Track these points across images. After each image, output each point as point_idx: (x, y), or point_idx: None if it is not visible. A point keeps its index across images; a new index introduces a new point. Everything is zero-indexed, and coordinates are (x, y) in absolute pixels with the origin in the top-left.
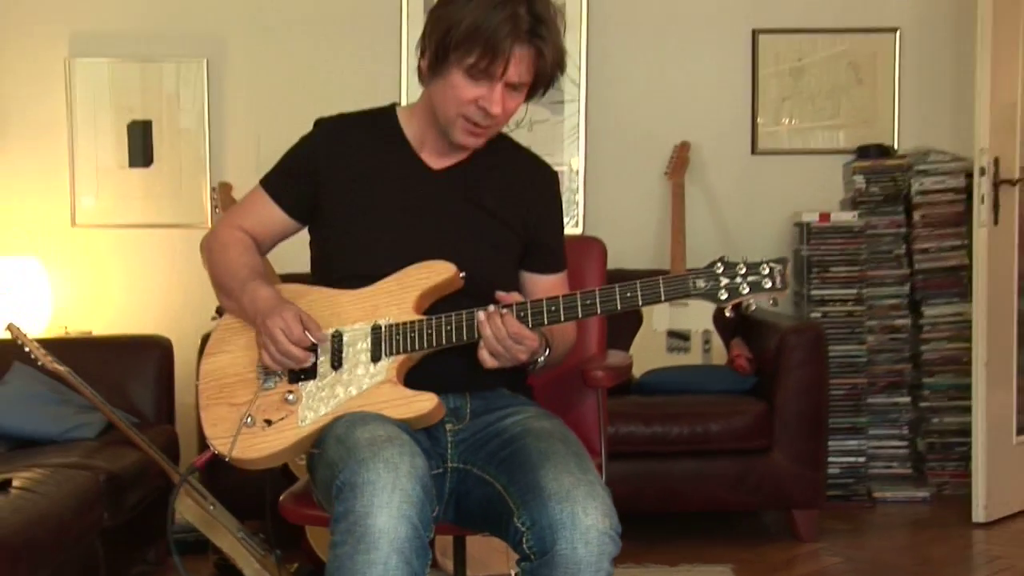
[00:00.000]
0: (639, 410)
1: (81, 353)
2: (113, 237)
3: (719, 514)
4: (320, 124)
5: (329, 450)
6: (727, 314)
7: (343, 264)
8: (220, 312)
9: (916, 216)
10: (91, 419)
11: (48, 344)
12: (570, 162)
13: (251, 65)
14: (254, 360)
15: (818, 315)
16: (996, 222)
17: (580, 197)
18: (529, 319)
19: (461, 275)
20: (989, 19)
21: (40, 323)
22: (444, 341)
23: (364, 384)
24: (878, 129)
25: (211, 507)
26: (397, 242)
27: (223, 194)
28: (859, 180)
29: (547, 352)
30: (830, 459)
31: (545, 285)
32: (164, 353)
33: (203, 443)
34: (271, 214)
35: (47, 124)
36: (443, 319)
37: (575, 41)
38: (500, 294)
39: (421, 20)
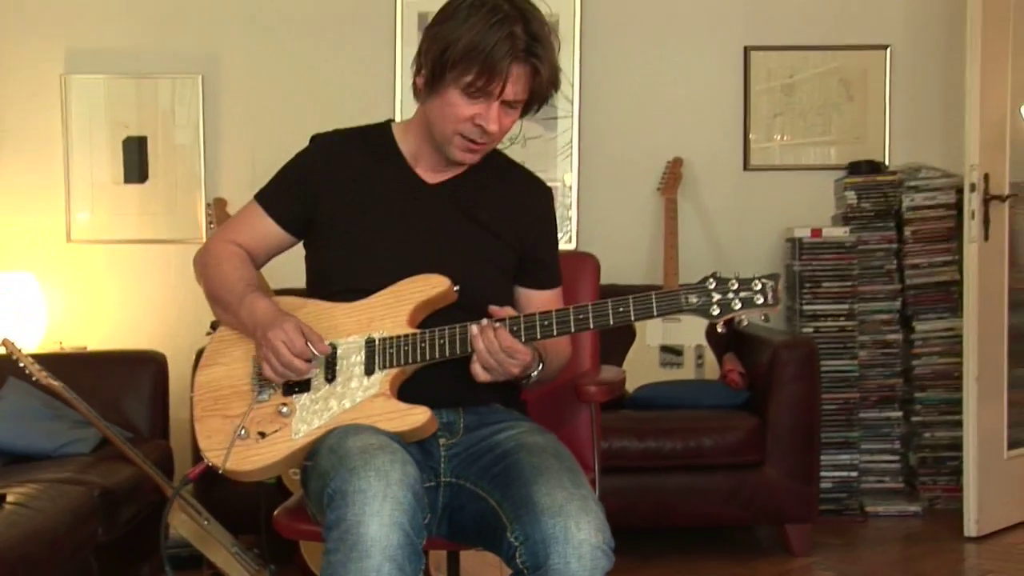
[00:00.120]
0: (632, 425)
1: (76, 368)
2: (108, 252)
3: (712, 529)
4: (316, 140)
5: (321, 460)
6: (719, 329)
7: (338, 278)
8: (215, 327)
9: (907, 232)
10: (86, 434)
11: (43, 359)
12: (563, 178)
13: (246, 82)
14: (249, 372)
15: (810, 330)
16: (986, 238)
17: (573, 213)
18: (522, 333)
19: (455, 288)
20: (978, 37)
21: (35, 338)
22: (438, 355)
23: (358, 397)
24: (869, 145)
25: (205, 522)
26: (392, 256)
27: (218, 210)
28: (850, 196)
29: (540, 367)
30: (822, 474)
31: (540, 301)
32: (159, 368)
33: (197, 458)
34: (266, 228)
35: (43, 140)
36: (437, 332)
37: (568, 58)
38: (493, 308)
39: (416, 36)
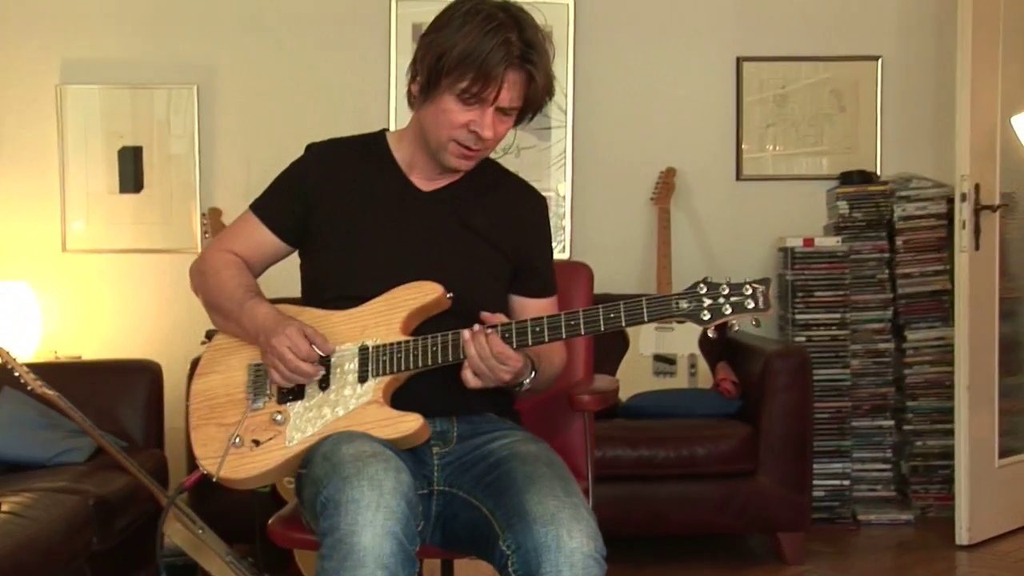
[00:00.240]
0: (625, 434)
1: (71, 377)
2: (103, 262)
3: (705, 537)
4: (311, 149)
5: (315, 467)
6: (710, 334)
7: (333, 286)
8: (210, 336)
9: (899, 241)
10: (80, 443)
11: (38, 368)
12: (557, 188)
13: (241, 92)
14: (244, 381)
15: (802, 339)
16: (977, 247)
17: (567, 222)
18: (514, 339)
19: (448, 295)
20: (969, 48)
21: (30, 347)
22: (430, 361)
23: (351, 405)
24: (861, 155)
25: (200, 531)
26: (387, 263)
27: (213, 219)
28: (842, 206)
29: (532, 375)
30: (815, 482)
31: (535, 309)
32: (153, 377)
33: (192, 467)
34: (262, 238)
35: (38, 149)
36: (429, 339)
37: (562, 68)
38: (485, 315)
39: (410, 47)
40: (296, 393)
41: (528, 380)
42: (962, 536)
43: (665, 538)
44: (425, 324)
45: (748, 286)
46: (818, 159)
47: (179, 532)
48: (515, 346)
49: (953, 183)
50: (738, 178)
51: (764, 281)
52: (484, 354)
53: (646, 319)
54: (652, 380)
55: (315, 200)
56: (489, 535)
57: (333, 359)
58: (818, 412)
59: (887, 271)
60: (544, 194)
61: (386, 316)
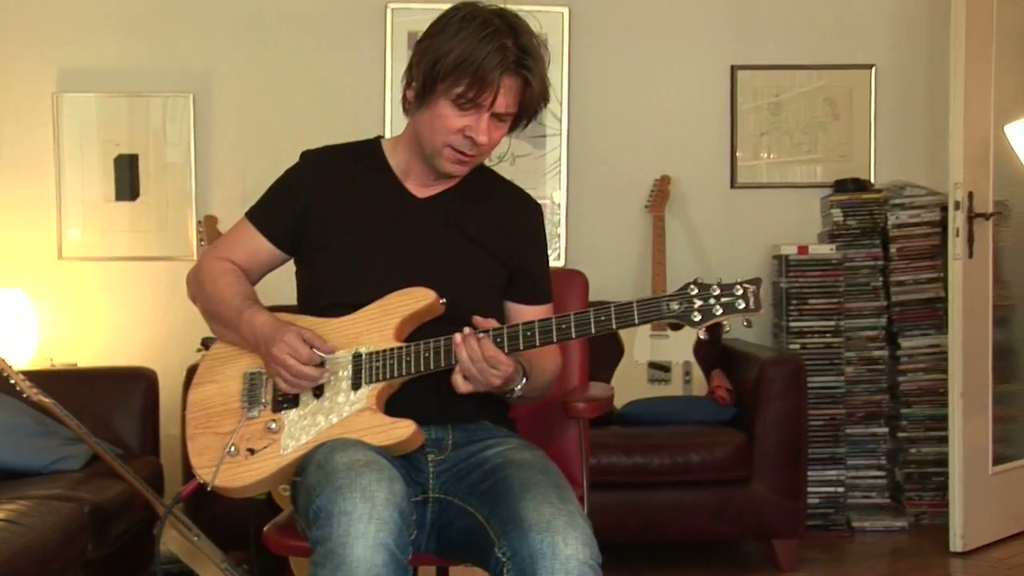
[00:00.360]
0: (620, 441)
1: (66, 385)
2: (99, 270)
3: (700, 544)
4: (306, 156)
5: (309, 475)
6: (701, 335)
7: (329, 292)
8: (205, 344)
9: (892, 249)
10: (76, 451)
11: (33, 376)
12: (552, 195)
13: (237, 100)
14: (239, 389)
15: (797, 346)
16: (971, 255)
17: (562, 230)
18: (505, 343)
19: (441, 301)
20: (962, 56)
21: (26, 355)
22: (422, 367)
23: (344, 412)
24: (855, 163)
25: (195, 538)
26: (381, 269)
27: (209, 227)
28: (836, 213)
29: (524, 380)
30: (809, 489)
31: (530, 316)
32: (149, 385)
33: (188, 474)
34: (258, 245)
35: (35, 157)
36: (421, 345)
37: (557, 76)
38: (477, 318)
39: (405, 54)
40: (291, 401)
41: (519, 386)
42: (956, 543)
43: (660, 545)
44: (420, 330)
45: (739, 286)
46: (812, 167)
47: (175, 539)
48: (506, 350)
49: (947, 191)
50: (732, 186)
51: (755, 281)
52: (475, 357)
53: (636, 321)
54: (647, 387)
55: (310, 207)
56: (484, 542)
57: (327, 366)
58: (812, 419)
59: (881, 279)
60: (539, 202)
61: (379, 323)
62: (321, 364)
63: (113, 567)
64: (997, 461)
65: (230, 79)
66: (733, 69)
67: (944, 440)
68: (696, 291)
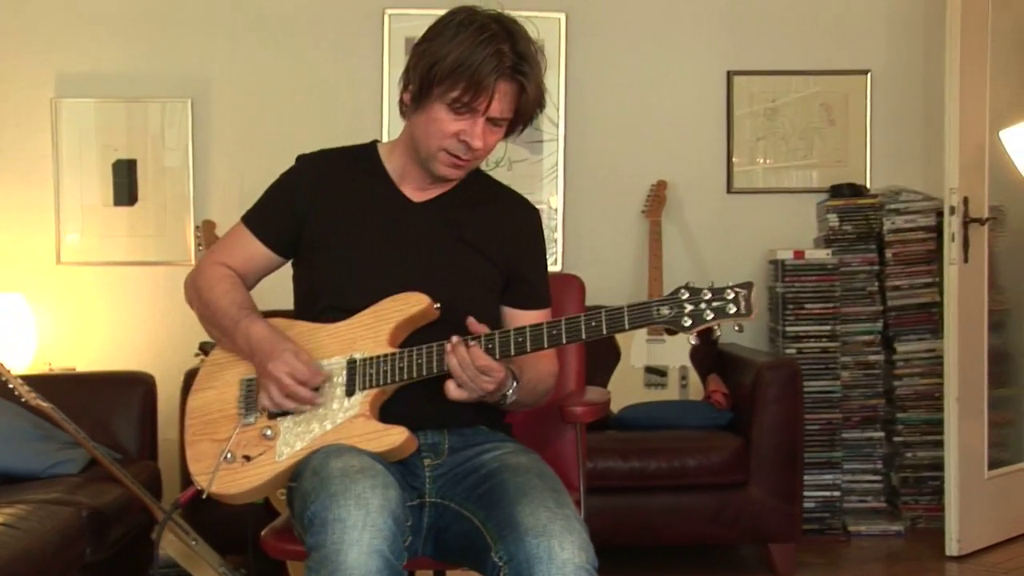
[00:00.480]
0: (617, 445)
1: (64, 389)
2: (97, 274)
3: (696, 548)
4: (301, 159)
5: (305, 481)
6: (691, 341)
7: (325, 296)
8: (203, 349)
9: (888, 254)
10: (74, 455)
11: (32, 380)
12: (549, 200)
13: (235, 105)
14: (237, 396)
15: (793, 351)
16: (966, 260)
17: (559, 235)
18: (496, 350)
19: (436, 306)
20: (957, 62)
21: (24, 359)
22: (415, 374)
23: (338, 418)
24: (850, 168)
25: (193, 542)
26: (377, 274)
27: (207, 232)
28: (832, 218)
29: (514, 385)
30: (805, 493)
31: (526, 321)
32: (147, 389)
33: (185, 479)
34: (254, 250)
35: (33, 162)
36: (414, 351)
37: (554, 82)
38: (471, 321)
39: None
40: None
41: (511, 391)
42: (952, 547)
43: (657, 549)
44: (415, 335)
45: (730, 290)
46: (808, 172)
47: (173, 543)
48: (498, 356)
49: (942, 196)
50: (729, 191)
51: (747, 285)
52: (465, 363)
53: (627, 326)
54: (643, 392)
55: (305, 211)
56: (481, 546)
57: (322, 383)
58: (809, 423)
59: (877, 283)
60: (536, 207)
61: (374, 328)
62: (317, 389)
63: (111, 571)
64: (993, 465)
65: (228, 84)
66: (729, 74)
67: (940, 444)
68: (687, 295)
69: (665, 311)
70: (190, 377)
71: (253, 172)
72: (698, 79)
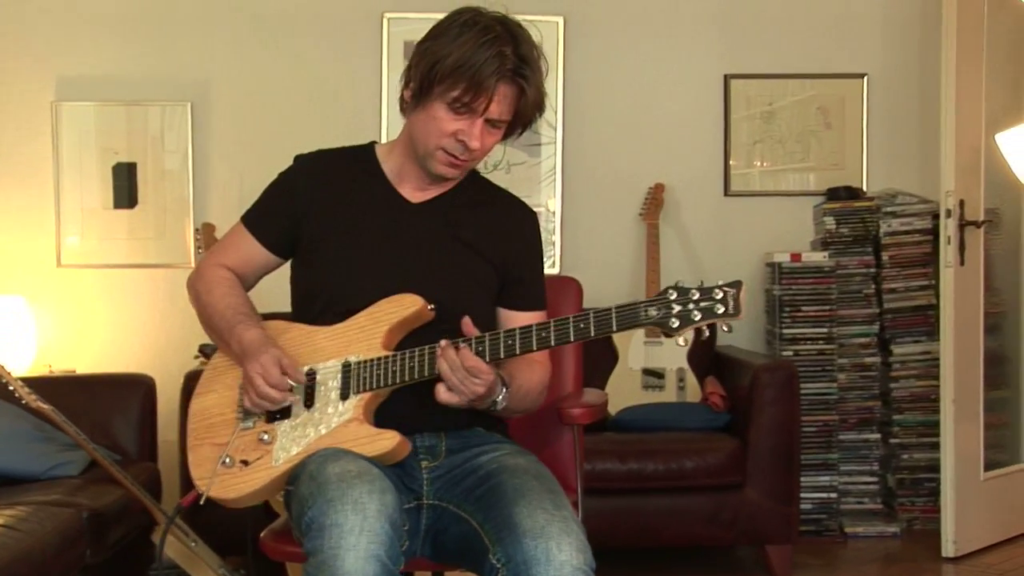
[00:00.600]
0: (615, 447)
1: (65, 391)
2: (97, 277)
3: (694, 549)
4: (299, 160)
5: (302, 486)
6: (680, 343)
7: (322, 297)
8: (202, 351)
9: (885, 256)
10: (74, 457)
11: (32, 382)
12: (547, 203)
13: (234, 108)
14: (235, 400)
15: (790, 353)
16: (962, 263)
17: (557, 238)
18: (487, 352)
19: (430, 307)
20: (953, 65)
21: (24, 361)
22: (407, 377)
23: (333, 423)
24: (847, 172)
25: (193, 543)
26: (373, 274)
27: (206, 235)
28: (829, 221)
29: (504, 391)
30: (802, 495)
31: (521, 322)
32: (147, 391)
33: (185, 481)
34: (252, 250)
35: (34, 166)
36: (407, 355)
37: (552, 85)
38: (464, 322)
39: (401, 63)
40: (283, 412)
41: (500, 397)
42: (948, 548)
43: (654, 550)
44: (411, 336)
45: (719, 290)
46: (805, 175)
47: (173, 545)
48: (488, 358)
49: (938, 199)
50: (726, 194)
51: (735, 284)
52: (455, 366)
53: (615, 328)
54: (641, 394)
55: (302, 211)
56: (479, 548)
57: (318, 376)
58: (805, 425)
59: (873, 286)
60: (534, 210)
61: (369, 331)
62: (290, 390)
63: (111, 572)
64: (989, 467)
65: (228, 87)
66: (726, 78)
67: (936, 446)
68: (675, 296)
69: (653, 312)
70: (190, 379)
71: (252, 175)
72: (695, 82)
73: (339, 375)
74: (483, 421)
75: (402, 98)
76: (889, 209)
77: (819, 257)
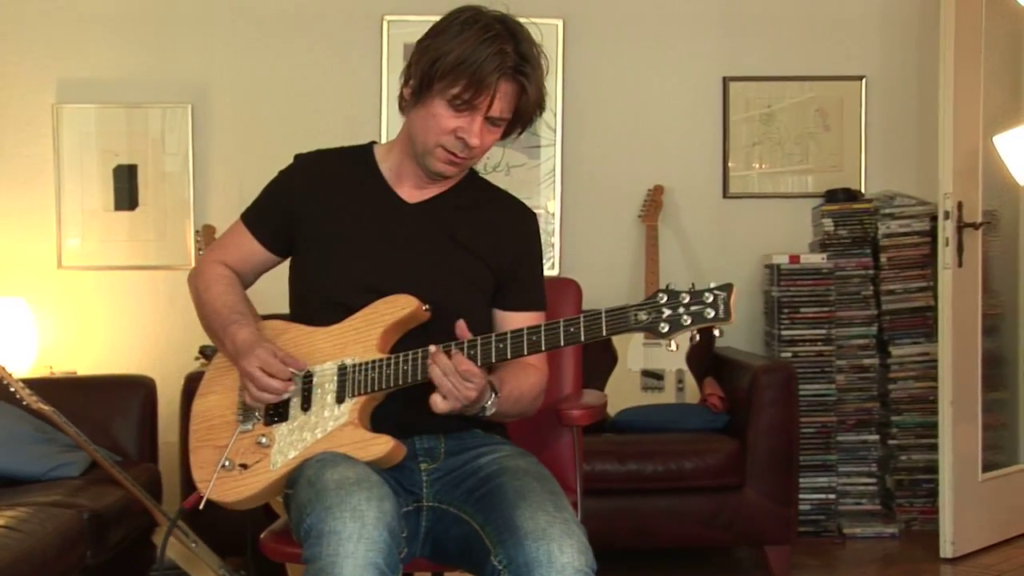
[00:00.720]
0: (614, 448)
1: (65, 392)
2: (98, 278)
3: (693, 550)
4: (298, 159)
5: (300, 492)
6: (669, 349)
7: (318, 297)
8: (203, 352)
9: (883, 258)
10: (75, 458)
11: (33, 383)
12: (546, 205)
13: (235, 111)
14: (235, 402)
15: (788, 355)
16: (960, 264)
17: (556, 239)
18: (478, 355)
19: (425, 308)
20: (951, 68)
21: (25, 363)
22: (402, 380)
23: (328, 426)
24: (845, 174)
25: (193, 544)
26: (370, 274)
27: (206, 236)
28: (827, 223)
29: (493, 396)
30: (801, 496)
31: (517, 323)
32: (147, 393)
33: (185, 482)
34: (251, 248)
35: (35, 168)
36: (401, 358)
37: (551, 87)
38: (458, 324)
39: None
40: (281, 415)
41: (490, 402)
42: (946, 549)
43: (653, 551)
44: (407, 337)
45: (709, 293)
46: (803, 177)
47: (173, 546)
48: (479, 362)
49: (936, 201)
50: (725, 196)
51: (726, 287)
52: (448, 370)
53: (604, 333)
54: (640, 395)
55: (300, 210)
56: (480, 550)
57: (315, 379)
58: (804, 427)
59: (872, 287)
60: (534, 211)
61: (364, 332)
62: (290, 379)
63: (111, 573)
64: (987, 468)
65: (228, 90)
66: (725, 80)
67: (934, 447)
68: (665, 299)
69: (643, 316)
70: (190, 380)
71: (252, 177)
72: (694, 85)
73: (335, 378)
74: (481, 423)
75: (401, 96)
76: (887, 211)
77: (817, 259)
